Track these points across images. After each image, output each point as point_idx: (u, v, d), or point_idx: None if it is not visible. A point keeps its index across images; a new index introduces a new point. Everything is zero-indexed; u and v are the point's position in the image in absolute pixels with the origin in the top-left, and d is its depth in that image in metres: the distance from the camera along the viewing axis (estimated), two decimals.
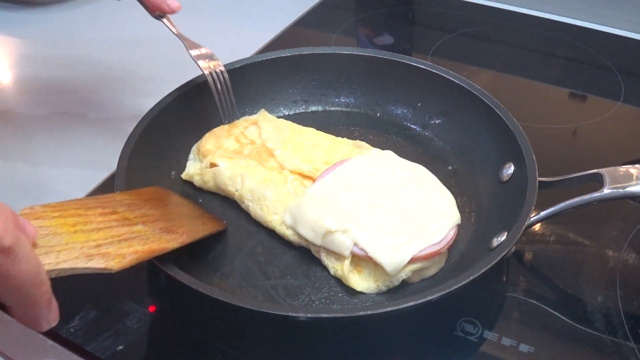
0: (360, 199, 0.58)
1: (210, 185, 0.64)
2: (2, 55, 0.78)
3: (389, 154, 0.65)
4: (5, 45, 0.93)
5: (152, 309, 0.54)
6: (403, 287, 0.56)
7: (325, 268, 0.57)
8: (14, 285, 0.36)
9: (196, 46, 0.66)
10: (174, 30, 0.66)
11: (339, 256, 0.56)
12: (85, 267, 0.42)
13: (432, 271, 0.56)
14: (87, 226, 0.45)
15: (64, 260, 0.41)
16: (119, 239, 0.46)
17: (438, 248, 0.55)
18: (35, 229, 0.40)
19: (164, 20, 0.65)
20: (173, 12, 0.65)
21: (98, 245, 0.44)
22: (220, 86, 0.66)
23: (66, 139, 0.75)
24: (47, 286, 0.38)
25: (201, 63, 0.65)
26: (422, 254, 0.54)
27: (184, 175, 0.66)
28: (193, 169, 0.66)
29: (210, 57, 0.66)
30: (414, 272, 0.55)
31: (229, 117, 0.69)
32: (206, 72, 0.65)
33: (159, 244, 0.49)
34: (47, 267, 0.39)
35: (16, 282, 0.36)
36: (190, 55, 0.65)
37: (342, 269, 0.55)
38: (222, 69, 0.66)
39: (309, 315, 0.48)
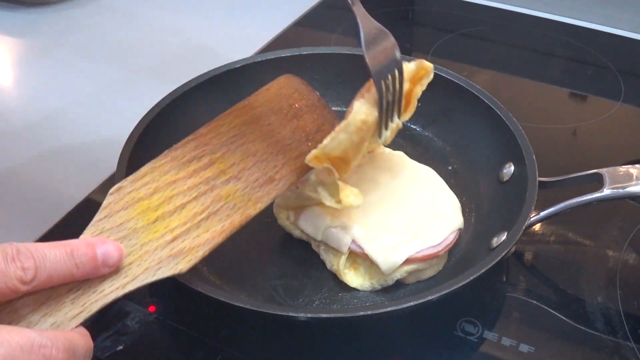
0: (365, 197, 0.58)
1: None
2: (2, 55, 0.78)
3: (400, 155, 0.65)
4: (5, 45, 0.93)
5: (152, 309, 0.54)
6: (402, 287, 0.56)
7: (325, 268, 0.57)
8: None
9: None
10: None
11: (337, 252, 0.56)
12: (153, 281, 0.41)
13: (428, 273, 0.56)
14: (171, 204, 0.43)
15: (133, 278, 0.39)
16: (200, 217, 0.44)
17: (436, 250, 0.55)
18: (120, 255, 0.39)
19: None
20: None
21: (173, 239, 0.42)
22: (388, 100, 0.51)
23: (66, 139, 0.75)
24: None
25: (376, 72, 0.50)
26: (419, 255, 0.54)
27: None
28: None
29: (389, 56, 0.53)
30: (410, 273, 0.55)
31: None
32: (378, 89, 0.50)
33: (244, 212, 0.45)
34: (114, 295, 0.38)
35: None
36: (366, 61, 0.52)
37: (338, 264, 0.55)
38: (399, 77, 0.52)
39: (309, 315, 0.48)
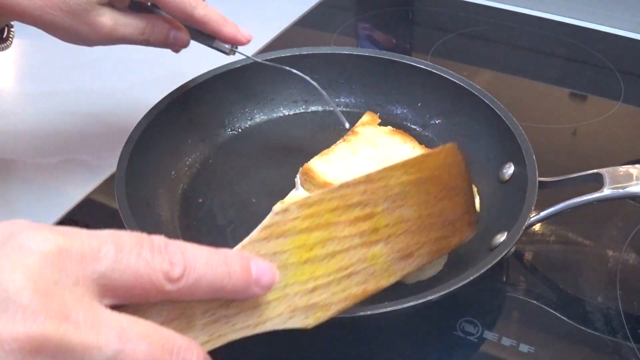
0: None
1: None
2: (2, 54, 0.78)
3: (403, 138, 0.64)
4: None
5: None
6: (401, 287, 0.56)
7: None
8: None
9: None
10: (255, 59, 0.64)
11: None
12: (281, 329, 0.38)
13: (428, 273, 0.56)
14: (325, 249, 0.40)
15: (265, 320, 0.37)
16: (342, 275, 0.41)
17: None
18: (273, 279, 0.35)
19: (239, 52, 0.62)
20: (248, 41, 0.61)
21: (313, 290, 0.39)
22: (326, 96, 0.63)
23: (66, 139, 0.75)
24: None
25: (307, 78, 0.64)
26: None
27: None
28: None
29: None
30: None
31: (345, 123, 0.65)
32: (314, 83, 0.64)
33: (377, 282, 0.43)
34: (242, 333, 0.36)
35: None
36: (293, 72, 0.64)
37: None
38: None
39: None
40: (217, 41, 0.61)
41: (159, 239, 0.32)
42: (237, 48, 0.62)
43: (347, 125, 0.64)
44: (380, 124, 0.70)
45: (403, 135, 0.61)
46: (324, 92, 0.63)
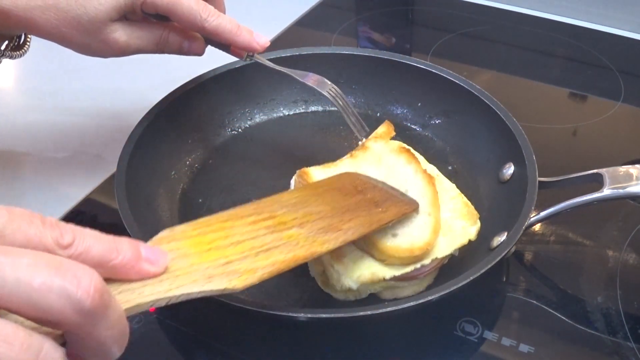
0: None
1: None
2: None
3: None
4: None
5: (152, 309, 0.54)
6: None
7: (325, 268, 0.57)
8: (91, 346, 0.31)
9: (303, 75, 0.64)
10: (274, 67, 0.63)
11: (319, 260, 0.54)
12: (201, 291, 0.37)
13: (406, 292, 0.54)
14: (227, 240, 0.40)
15: (178, 286, 0.36)
16: (259, 250, 0.41)
17: (414, 274, 0.53)
18: (164, 259, 0.36)
19: (256, 58, 0.61)
20: (264, 48, 0.60)
21: (227, 263, 0.39)
22: (343, 104, 0.63)
23: (66, 139, 0.75)
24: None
25: (319, 89, 0.63)
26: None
27: None
28: None
29: (322, 81, 0.63)
30: (385, 289, 0.53)
31: (361, 132, 0.64)
32: (330, 97, 0.62)
33: (309, 249, 0.43)
34: (153, 297, 0.35)
35: (96, 344, 0.31)
36: (307, 84, 0.63)
37: (315, 270, 0.55)
38: (337, 88, 0.64)
39: (309, 315, 0.48)
40: (233, 48, 0.61)
41: (51, 217, 0.33)
42: (253, 55, 0.61)
43: (362, 139, 0.64)
44: (379, 124, 0.70)
45: (409, 155, 0.60)
46: (341, 105, 0.63)
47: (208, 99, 0.69)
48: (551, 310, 0.55)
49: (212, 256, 0.39)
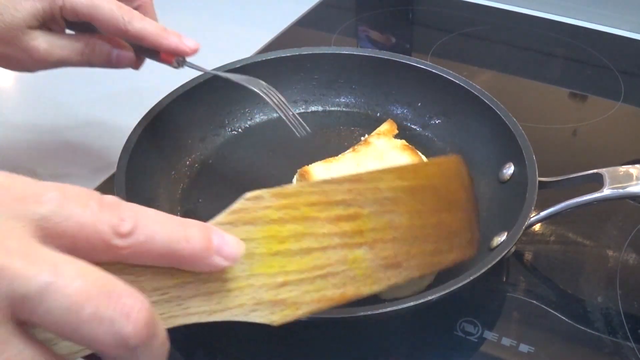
0: None
1: None
2: None
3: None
4: None
5: None
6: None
7: None
8: None
9: (234, 76, 0.62)
10: (206, 70, 0.61)
11: None
12: (240, 321, 0.34)
13: (407, 291, 0.52)
14: (299, 243, 0.37)
15: (224, 308, 0.33)
16: (318, 274, 0.38)
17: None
18: (238, 251, 0.32)
19: (188, 63, 0.59)
20: (194, 51, 0.57)
21: (282, 285, 0.36)
22: (279, 103, 0.61)
23: (66, 139, 0.75)
24: None
25: (257, 89, 0.61)
26: None
27: None
28: None
29: (258, 82, 0.62)
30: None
31: (300, 131, 0.62)
32: (265, 96, 0.61)
33: (359, 287, 0.40)
34: (196, 318, 0.33)
35: None
36: (243, 84, 0.61)
37: None
38: (272, 89, 0.62)
39: (309, 315, 0.48)
40: (163, 55, 0.57)
41: (110, 197, 0.30)
42: (184, 60, 0.58)
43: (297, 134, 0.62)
44: (379, 124, 0.70)
45: (413, 152, 0.59)
46: (274, 103, 0.62)
47: (208, 99, 0.69)
48: (551, 310, 0.55)
49: (274, 267, 0.36)
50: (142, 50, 0.58)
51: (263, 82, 0.62)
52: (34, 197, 0.28)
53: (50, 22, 0.55)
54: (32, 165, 0.72)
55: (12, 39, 0.52)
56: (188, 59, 0.58)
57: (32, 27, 0.53)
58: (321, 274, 0.38)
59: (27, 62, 0.55)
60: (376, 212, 0.41)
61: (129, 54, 0.58)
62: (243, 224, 0.35)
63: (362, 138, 0.64)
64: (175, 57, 0.57)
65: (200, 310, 0.33)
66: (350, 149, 0.62)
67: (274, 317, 0.36)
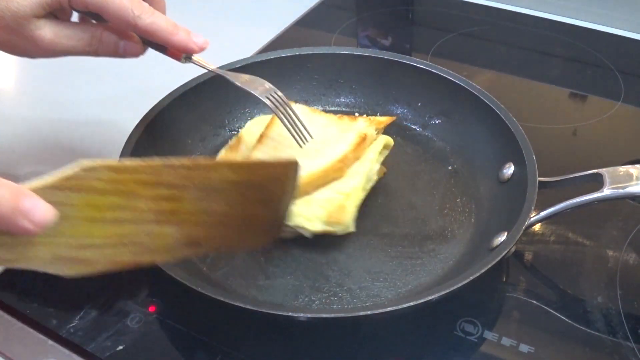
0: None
1: None
2: (2, 54, 0.78)
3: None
4: None
5: (152, 309, 0.54)
6: (400, 287, 0.56)
7: (325, 267, 0.57)
8: None
9: (237, 77, 0.60)
10: (211, 68, 0.59)
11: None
12: (38, 270, 0.38)
13: (338, 228, 0.57)
14: (114, 214, 0.40)
15: (26, 258, 0.37)
16: (120, 241, 0.42)
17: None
18: (47, 218, 0.35)
19: (194, 60, 0.58)
20: (202, 49, 0.56)
21: (84, 247, 0.40)
22: (284, 110, 0.59)
23: (66, 139, 0.75)
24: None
25: (258, 93, 0.59)
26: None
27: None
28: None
29: (262, 83, 0.60)
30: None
31: (302, 140, 0.60)
32: (268, 103, 0.58)
33: (153, 257, 0.45)
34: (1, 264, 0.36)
35: None
36: (243, 89, 0.59)
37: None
38: (279, 93, 0.60)
39: (309, 315, 0.48)
40: (170, 49, 0.57)
41: None
42: (191, 56, 0.57)
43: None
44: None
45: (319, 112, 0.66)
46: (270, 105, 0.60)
47: (208, 99, 0.69)
48: (551, 310, 0.55)
49: (82, 230, 0.39)
50: (149, 43, 0.57)
51: (268, 84, 0.60)
52: None
53: (57, 11, 0.54)
54: (32, 165, 0.72)
55: (18, 27, 0.52)
56: (194, 56, 0.58)
57: (38, 16, 0.52)
58: (124, 242, 0.42)
59: (32, 50, 0.54)
60: (197, 198, 0.45)
61: (137, 46, 0.57)
62: (68, 190, 0.38)
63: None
64: (183, 54, 0.57)
65: (4, 258, 0.36)
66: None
67: (69, 271, 0.40)
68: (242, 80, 0.60)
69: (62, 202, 0.37)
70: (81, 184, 0.38)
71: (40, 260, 0.38)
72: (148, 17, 0.53)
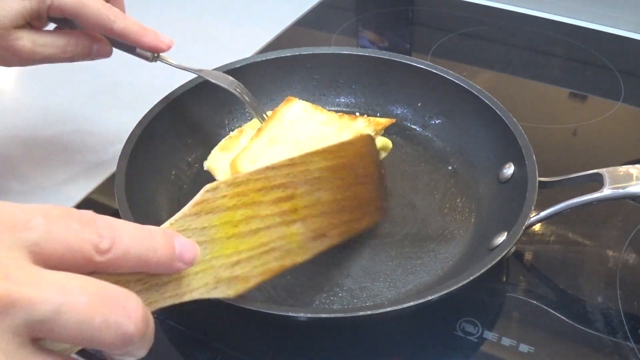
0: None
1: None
2: None
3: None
4: None
5: None
6: (400, 287, 0.56)
7: (325, 267, 0.57)
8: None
9: (204, 72, 0.66)
10: (174, 63, 0.64)
11: None
12: (205, 298, 0.40)
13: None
14: (249, 225, 0.43)
15: (192, 290, 0.38)
16: (263, 250, 0.44)
17: None
18: (196, 254, 0.36)
19: (162, 58, 0.62)
20: (170, 47, 0.61)
21: (237, 263, 0.42)
22: (244, 95, 0.66)
23: (66, 139, 0.75)
24: None
25: (221, 82, 0.65)
26: None
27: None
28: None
29: (226, 77, 0.66)
30: None
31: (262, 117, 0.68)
32: (231, 89, 0.65)
33: (294, 259, 0.47)
34: (171, 300, 0.37)
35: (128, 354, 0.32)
36: (210, 80, 0.65)
37: None
38: (242, 86, 0.66)
39: (309, 315, 0.48)
40: (138, 49, 0.61)
41: (87, 213, 0.33)
42: (158, 55, 0.62)
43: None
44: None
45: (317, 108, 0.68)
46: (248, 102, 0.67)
47: (208, 98, 0.69)
48: (551, 310, 0.55)
49: (230, 248, 0.41)
50: (117, 44, 0.61)
51: (231, 78, 0.66)
52: (23, 224, 0.31)
53: (34, 20, 0.55)
54: (32, 166, 0.72)
55: None
56: (161, 54, 0.62)
57: (18, 27, 0.53)
58: (266, 249, 0.44)
59: (10, 60, 0.56)
60: (308, 191, 0.49)
61: (108, 47, 0.61)
62: (205, 214, 0.40)
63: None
64: (152, 52, 0.61)
65: (175, 293, 0.37)
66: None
67: (230, 292, 0.42)
68: (211, 75, 0.66)
69: (205, 227, 0.40)
70: (212, 205, 0.41)
71: (205, 287, 0.40)
72: (122, 21, 0.57)
